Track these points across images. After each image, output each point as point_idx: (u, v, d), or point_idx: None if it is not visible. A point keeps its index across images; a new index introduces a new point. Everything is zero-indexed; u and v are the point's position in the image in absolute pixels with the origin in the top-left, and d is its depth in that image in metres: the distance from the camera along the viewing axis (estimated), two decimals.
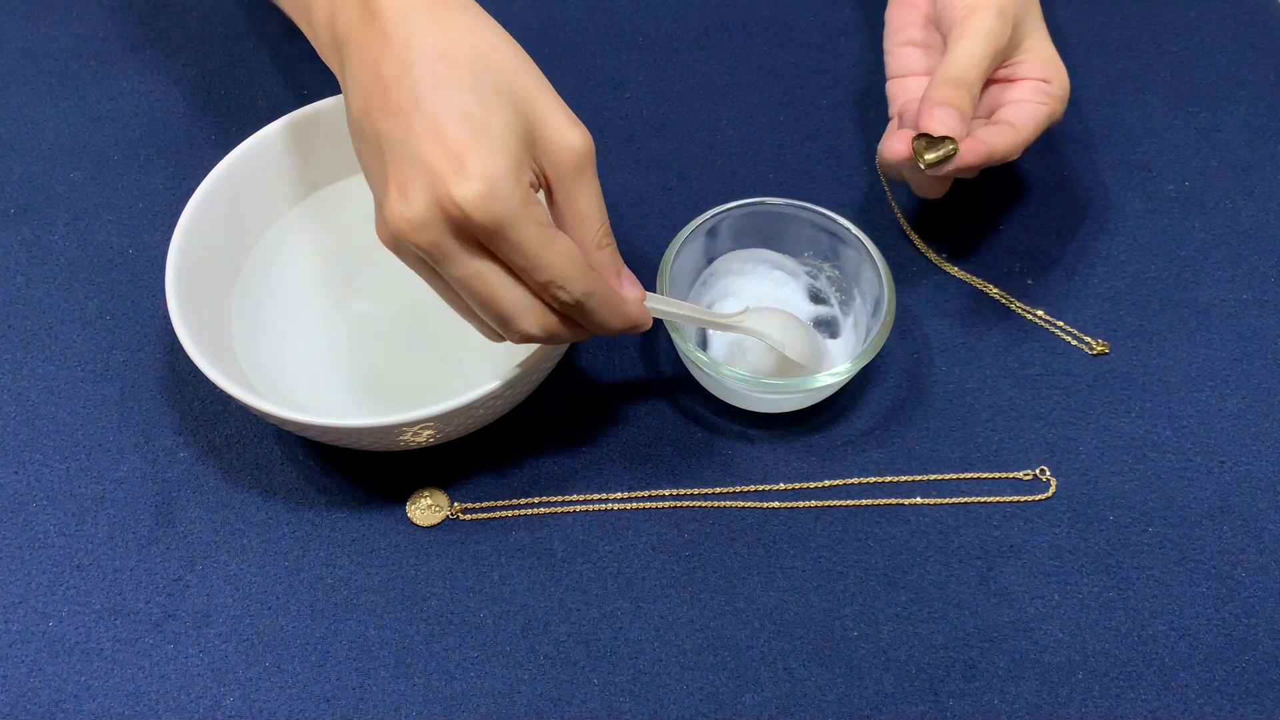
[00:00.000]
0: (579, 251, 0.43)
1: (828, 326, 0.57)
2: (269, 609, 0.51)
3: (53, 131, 0.66)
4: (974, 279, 0.60)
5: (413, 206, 0.41)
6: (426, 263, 0.43)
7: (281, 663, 0.50)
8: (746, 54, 0.69)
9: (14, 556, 0.52)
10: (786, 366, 0.53)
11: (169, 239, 0.53)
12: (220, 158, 0.55)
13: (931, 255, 0.61)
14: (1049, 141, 0.65)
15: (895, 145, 0.53)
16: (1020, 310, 0.59)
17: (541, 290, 0.43)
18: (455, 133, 0.40)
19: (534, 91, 0.42)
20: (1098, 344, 0.58)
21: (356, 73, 0.43)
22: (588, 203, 0.44)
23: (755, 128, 0.66)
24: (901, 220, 0.62)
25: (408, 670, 0.49)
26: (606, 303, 0.44)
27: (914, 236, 0.62)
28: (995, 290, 0.60)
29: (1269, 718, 0.48)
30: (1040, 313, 0.59)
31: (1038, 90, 0.55)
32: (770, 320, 0.53)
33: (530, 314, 0.43)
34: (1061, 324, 0.59)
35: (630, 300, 0.46)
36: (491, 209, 0.40)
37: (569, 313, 0.44)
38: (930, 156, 0.51)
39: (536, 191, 0.43)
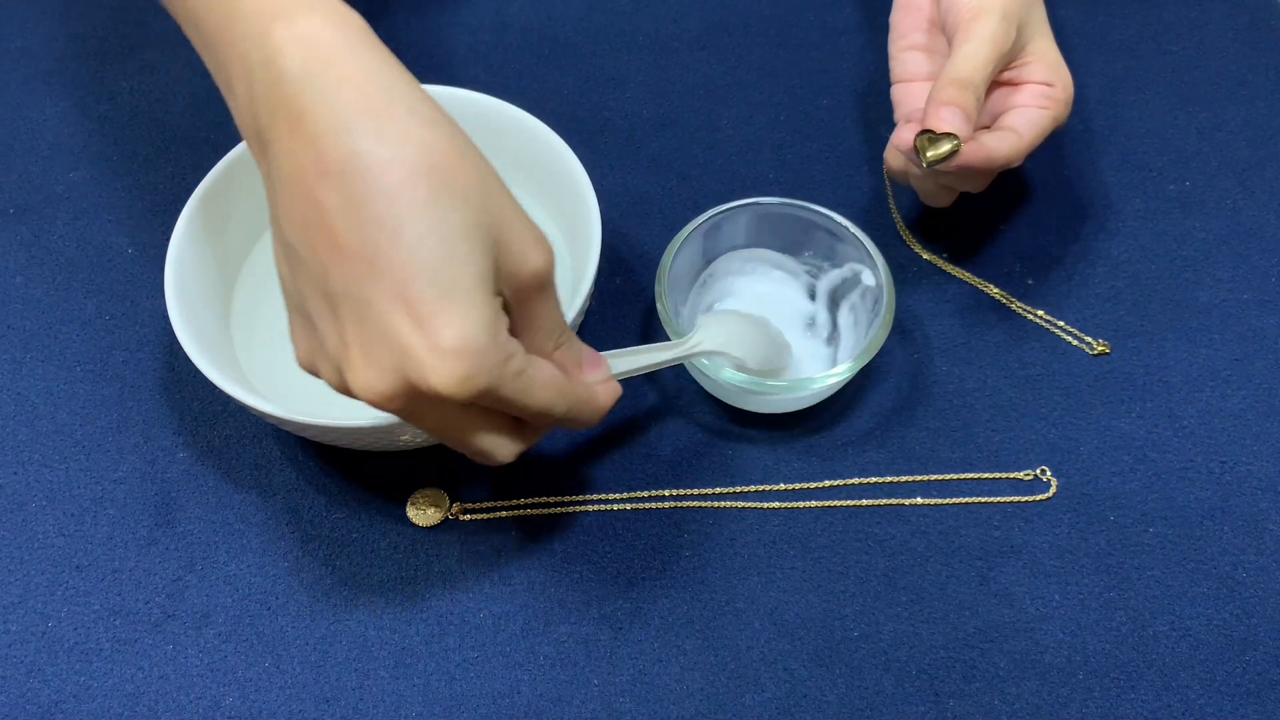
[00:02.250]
0: (555, 374, 0.40)
1: (827, 327, 0.57)
2: (269, 609, 0.51)
3: (52, 131, 0.66)
4: (974, 279, 0.60)
5: (382, 380, 0.37)
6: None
7: (281, 663, 0.50)
8: (746, 54, 0.69)
9: (14, 556, 0.52)
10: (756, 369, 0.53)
11: (169, 239, 0.53)
12: (220, 158, 0.55)
13: (931, 255, 0.61)
14: (1050, 141, 0.64)
15: (902, 135, 0.53)
16: (1020, 310, 0.59)
17: (519, 420, 0.42)
18: (423, 293, 0.36)
19: (497, 209, 0.38)
20: (1098, 344, 0.58)
21: (287, 189, 0.38)
22: (545, 315, 0.40)
23: (755, 128, 0.66)
24: (899, 221, 0.62)
25: (408, 670, 0.49)
26: (585, 408, 0.42)
27: (914, 237, 0.62)
28: (995, 290, 0.60)
29: (1270, 718, 0.48)
30: (1040, 313, 0.59)
31: (1040, 94, 0.55)
32: (721, 333, 0.52)
33: (509, 447, 0.41)
34: (1062, 324, 0.58)
35: (600, 390, 0.43)
36: (472, 384, 0.36)
37: (547, 427, 0.43)
38: (931, 154, 0.51)
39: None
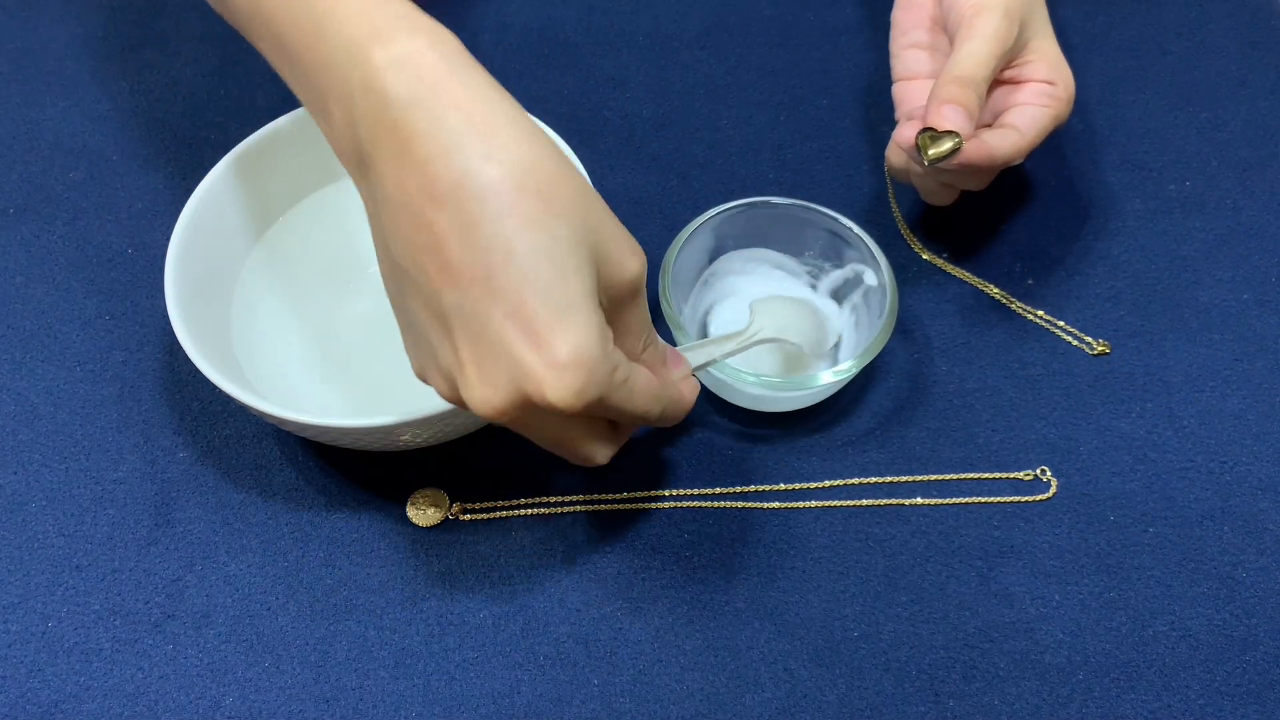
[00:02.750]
0: (652, 379, 0.42)
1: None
2: (268, 609, 0.51)
3: (52, 131, 0.66)
4: (974, 279, 0.60)
5: (498, 394, 0.38)
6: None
7: (281, 663, 0.50)
8: (746, 54, 0.69)
9: (14, 556, 0.52)
10: (798, 359, 0.53)
11: (169, 239, 0.53)
12: (220, 158, 0.55)
13: (932, 255, 0.61)
14: (1050, 141, 0.64)
15: (904, 132, 0.53)
16: (1021, 310, 0.59)
17: (618, 423, 0.44)
18: (537, 310, 0.37)
19: (596, 220, 0.39)
20: (1098, 344, 0.58)
21: (395, 213, 0.38)
22: (637, 320, 0.42)
23: (755, 127, 0.66)
24: (900, 221, 0.62)
25: (408, 670, 0.49)
26: (675, 407, 0.44)
27: (915, 236, 0.62)
28: (996, 290, 0.60)
29: (1270, 718, 0.48)
30: (1041, 313, 0.59)
31: (1042, 93, 0.55)
32: (778, 319, 0.53)
33: (607, 450, 0.43)
34: (1062, 324, 0.58)
35: (684, 388, 0.45)
36: (585, 396, 0.38)
37: (638, 427, 0.44)
38: (933, 152, 0.51)
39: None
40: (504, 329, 0.37)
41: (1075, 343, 0.58)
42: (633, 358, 0.42)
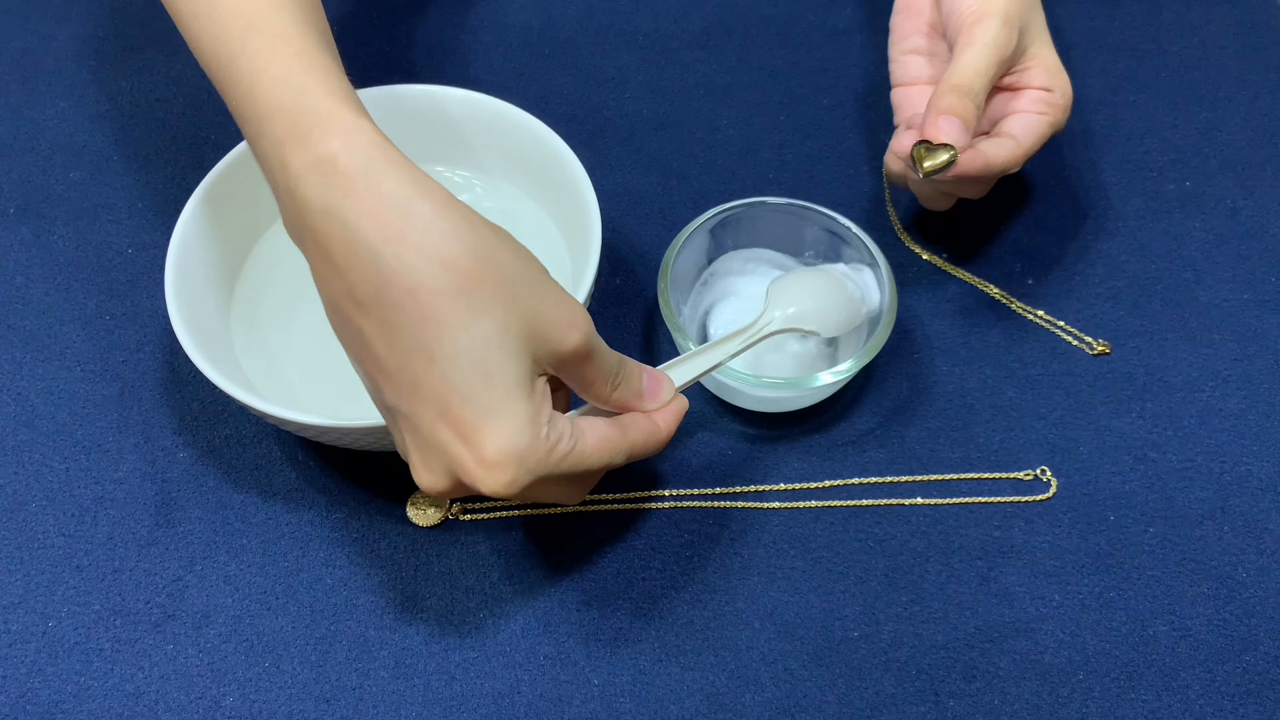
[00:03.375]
0: (609, 431, 0.42)
1: None
2: (268, 609, 0.51)
3: (53, 131, 0.66)
4: (974, 279, 0.60)
5: (440, 482, 0.40)
6: None
7: (281, 663, 0.50)
8: (746, 54, 0.69)
9: (14, 556, 0.52)
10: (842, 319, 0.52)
11: (169, 239, 0.53)
12: (220, 158, 0.55)
13: (931, 255, 0.61)
14: (1050, 142, 0.64)
15: (901, 142, 0.53)
16: (1020, 310, 0.59)
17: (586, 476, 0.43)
18: (461, 414, 0.38)
19: (525, 302, 0.39)
20: (1098, 344, 0.58)
21: (330, 311, 0.40)
22: (595, 372, 0.42)
23: (755, 127, 0.66)
24: (896, 222, 0.62)
25: (408, 670, 0.49)
26: (646, 444, 0.44)
27: (914, 237, 0.62)
28: (995, 290, 0.60)
29: (1270, 718, 0.48)
30: (1040, 313, 0.59)
31: (1039, 100, 0.55)
32: (791, 307, 0.51)
33: (578, 495, 0.44)
34: (1062, 324, 0.58)
35: (660, 419, 0.44)
36: (519, 485, 0.39)
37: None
38: (928, 164, 0.51)
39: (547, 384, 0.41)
40: (435, 428, 0.39)
41: (1075, 342, 0.58)
42: (603, 401, 0.43)
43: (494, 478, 0.38)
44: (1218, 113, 0.66)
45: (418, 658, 0.50)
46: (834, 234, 0.56)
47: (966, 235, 0.62)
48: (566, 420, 0.41)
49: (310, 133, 0.39)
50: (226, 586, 0.51)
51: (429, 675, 0.49)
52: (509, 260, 0.39)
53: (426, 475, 0.40)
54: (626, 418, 0.44)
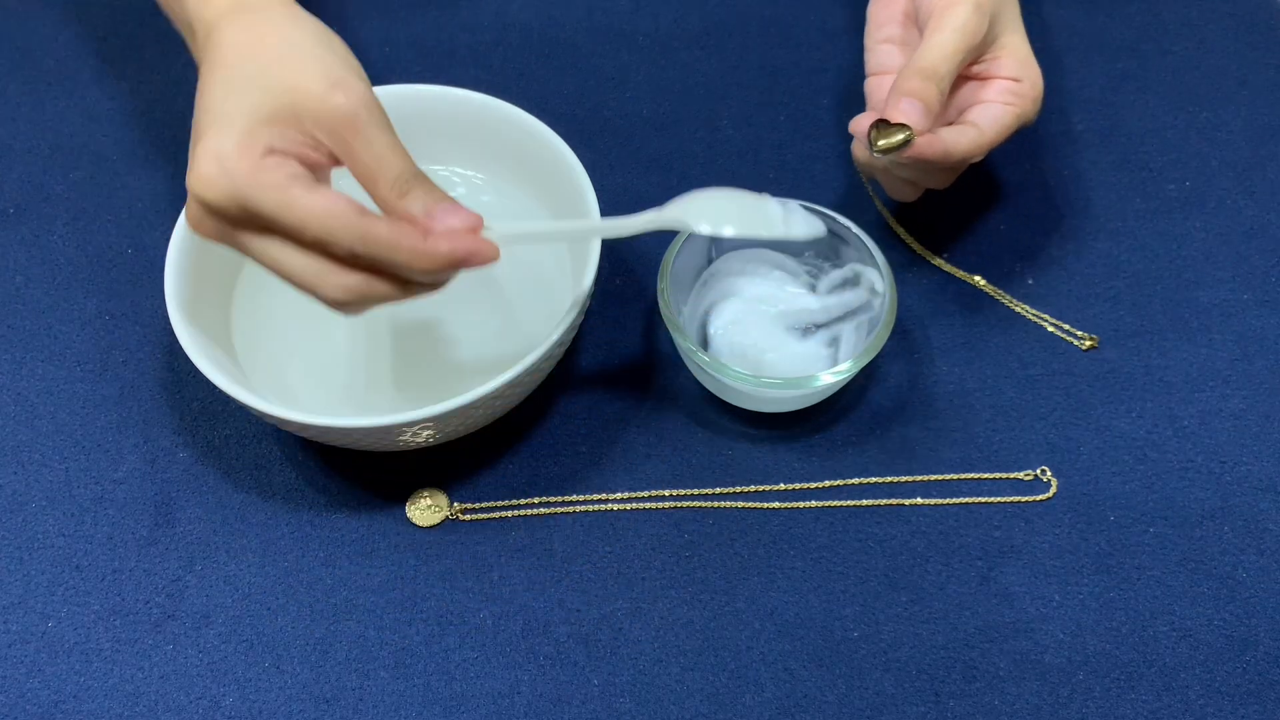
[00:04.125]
0: (339, 202, 0.42)
1: (828, 327, 0.57)
2: (268, 609, 0.51)
3: (53, 131, 0.66)
4: (974, 279, 0.60)
5: (187, 207, 0.44)
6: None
7: (281, 663, 0.50)
8: (746, 54, 0.69)
9: (14, 556, 0.52)
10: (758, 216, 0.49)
11: (169, 239, 0.53)
12: None
13: (931, 255, 0.61)
14: (1050, 142, 0.64)
15: (860, 122, 0.53)
16: (1021, 310, 0.59)
17: (319, 250, 0.43)
18: (198, 127, 0.43)
19: (293, 70, 0.44)
20: (1087, 338, 0.57)
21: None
22: (372, 157, 0.43)
23: (755, 127, 0.66)
24: (892, 221, 0.62)
25: (408, 670, 0.49)
26: (394, 247, 0.42)
27: (914, 237, 0.61)
28: (995, 290, 0.60)
29: (1270, 718, 0.48)
30: (1040, 313, 0.59)
31: (1007, 90, 0.54)
32: (678, 208, 0.48)
33: (326, 278, 0.43)
34: (1066, 326, 0.58)
35: (438, 239, 0.43)
36: (217, 185, 0.41)
37: (361, 266, 0.43)
38: (882, 143, 0.51)
39: (302, 161, 0.44)
40: (192, 141, 0.43)
41: (1075, 342, 0.58)
42: (389, 207, 0.44)
43: (197, 173, 0.42)
44: (1218, 113, 0.66)
45: (418, 658, 0.50)
46: (834, 234, 0.56)
47: (966, 235, 0.62)
48: (306, 174, 0.43)
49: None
50: (226, 586, 0.51)
51: (429, 675, 0.49)
52: (301, 55, 0.44)
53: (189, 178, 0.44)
54: (386, 216, 0.44)
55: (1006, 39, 0.55)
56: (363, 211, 0.42)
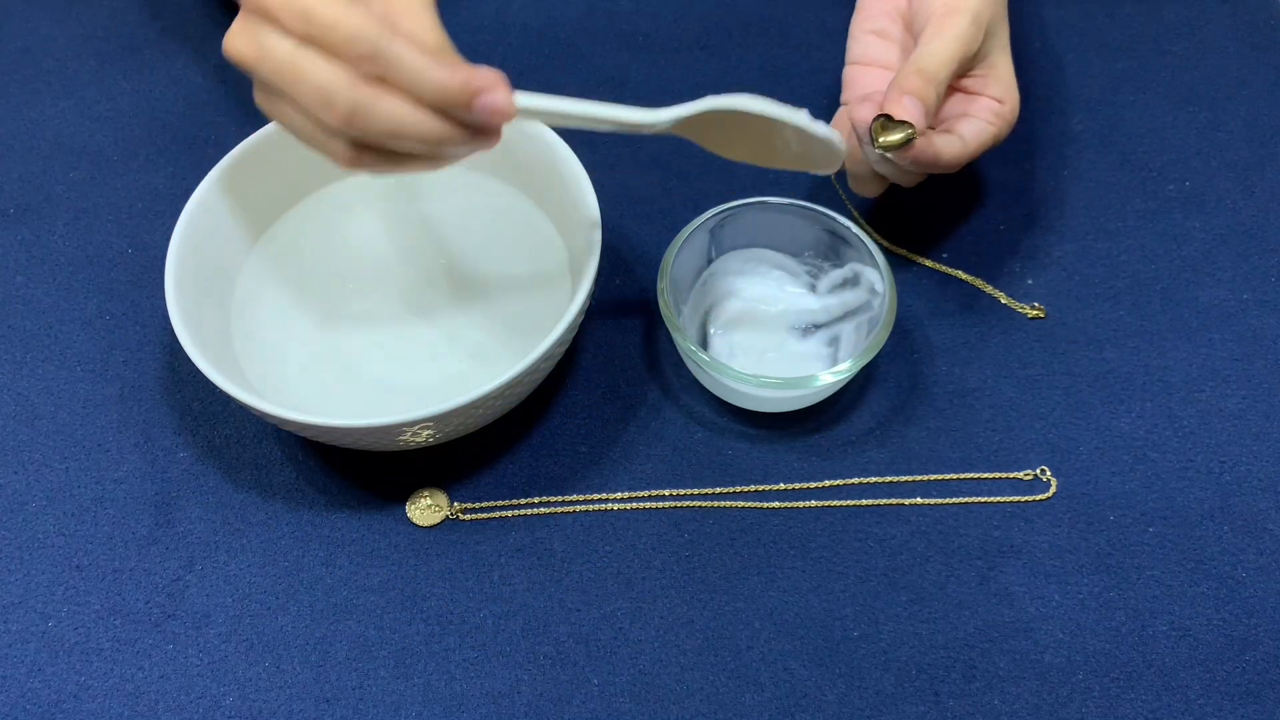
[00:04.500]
0: (369, 12, 0.42)
1: (828, 327, 0.57)
2: (269, 609, 0.51)
3: (53, 131, 0.66)
4: (974, 279, 0.60)
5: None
6: (266, 88, 0.44)
7: (281, 663, 0.50)
8: (746, 54, 0.69)
9: (14, 556, 0.52)
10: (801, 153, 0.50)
11: (169, 239, 0.53)
12: (220, 158, 0.55)
13: (931, 256, 0.61)
14: (1050, 142, 0.64)
15: (861, 112, 0.52)
16: (1020, 309, 0.59)
17: (344, 56, 0.42)
18: None
19: None
20: (1032, 308, 0.57)
21: None
22: (413, 28, 0.43)
23: None
24: (889, 223, 0.62)
25: (408, 670, 0.49)
26: (415, 54, 0.42)
27: (913, 237, 0.62)
28: (995, 290, 0.60)
29: (1270, 718, 0.48)
30: (1040, 313, 0.59)
31: (990, 109, 0.55)
32: (722, 97, 0.50)
33: (340, 90, 0.42)
34: (1065, 324, 0.58)
35: (458, 65, 0.44)
36: None
37: (377, 74, 0.43)
38: (884, 140, 0.51)
39: None
40: None
41: (1073, 342, 0.58)
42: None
43: None
44: (1218, 113, 0.66)
45: (418, 658, 0.50)
46: (834, 234, 0.56)
47: (966, 235, 0.62)
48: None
49: None
50: (226, 586, 0.51)
51: (429, 675, 0.49)
52: None
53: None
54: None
55: (995, 58, 0.56)
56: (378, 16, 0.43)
